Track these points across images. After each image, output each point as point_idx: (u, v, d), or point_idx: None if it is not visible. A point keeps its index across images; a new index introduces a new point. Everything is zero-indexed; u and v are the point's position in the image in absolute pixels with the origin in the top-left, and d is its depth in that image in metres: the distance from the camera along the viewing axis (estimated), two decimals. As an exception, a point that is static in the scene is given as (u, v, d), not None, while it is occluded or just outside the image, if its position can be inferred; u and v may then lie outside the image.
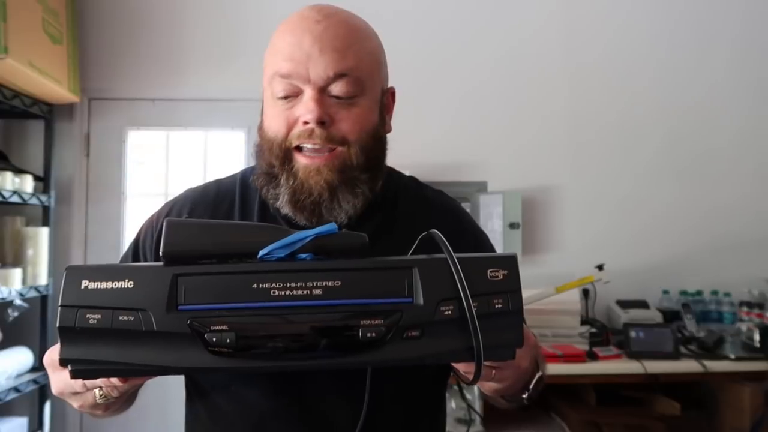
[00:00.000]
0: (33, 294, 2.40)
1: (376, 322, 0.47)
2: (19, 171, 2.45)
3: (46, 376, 2.44)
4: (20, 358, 2.35)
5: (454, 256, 0.50)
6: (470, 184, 2.74)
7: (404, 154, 3.01)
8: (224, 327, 0.47)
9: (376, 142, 0.75)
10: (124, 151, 2.75)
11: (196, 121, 2.76)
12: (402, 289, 0.49)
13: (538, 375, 0.66)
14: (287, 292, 0.48)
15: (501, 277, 0.50)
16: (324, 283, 0.49)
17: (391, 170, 0.87)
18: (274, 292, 0.48)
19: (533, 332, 0.78)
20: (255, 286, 0.48)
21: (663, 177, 2.77)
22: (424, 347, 0.49)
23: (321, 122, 0.69)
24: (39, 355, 2.47)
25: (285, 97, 0.71)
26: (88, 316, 0.49)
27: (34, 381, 2.38)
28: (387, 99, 0.81)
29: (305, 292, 0.48)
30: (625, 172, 2.77)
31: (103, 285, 0.49)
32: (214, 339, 0.47)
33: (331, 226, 0.53)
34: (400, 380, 0.72)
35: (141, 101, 2.76)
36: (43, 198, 2.50)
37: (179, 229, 0.51)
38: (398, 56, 2.91)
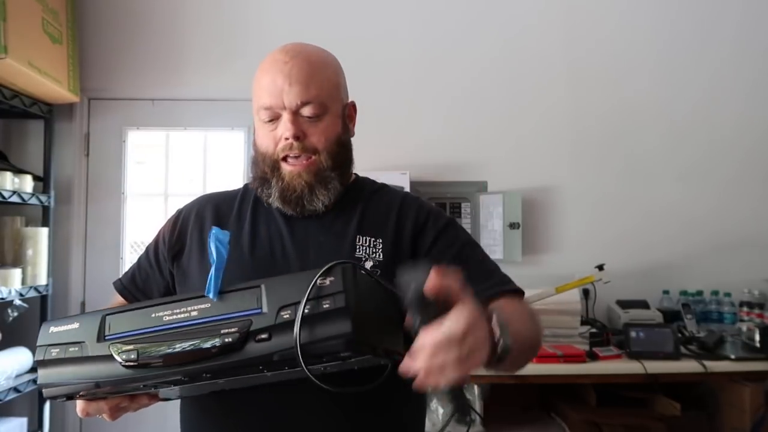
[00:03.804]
0: (33, 294, 2.40)
1: (232, 330, 0.62)
2: (18, 171, 2.45)
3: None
4: (20, 358, 2.34)
5: (299, 275, 0.64)
6: (470, 184, 2.74)
7: (405, 154, 3.02)
8: (131, 347, 0.64)
9: (340, 146, 0.98)
10: (123, 150, 2.75)
11: (196, 121, 2.76)
12: (254, 303, 0.63)
13: (501, 344, 0.69)
14: (174, 317, 0.65)
15: (328, 283, 0.61)
16: (198, 307, 0.65)
17: (364, 178, 1.09)
18: (165, 318, 0.65)
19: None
20: (153, 315, 0.66)
21: (663, 177, 2.76)
22: (273, 346, 0.61)
23: (296, 137, 0.92)
24: (39, 355, 2.46)
25: (270, 121, 0.95)
26: (51, 350, 0.68)
27: (34, 381, 2.38)
28: (349, 111, 1.03)
29: (186, 315, 0.65)
30: (626, 172, 2.77)
31: (62, 328, 0.68)
32: (124, 356, 0.64)
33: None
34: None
35: (141, 101, 2.76)
36: (43, 198, 2.50)
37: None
38: (398, 56, 2.92)
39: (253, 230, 0.98)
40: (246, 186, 1.07)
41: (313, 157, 0.94)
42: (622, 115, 2.79)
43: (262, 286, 0.63)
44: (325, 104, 0.94)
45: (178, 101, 2.76)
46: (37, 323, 2.49)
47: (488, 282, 0.94)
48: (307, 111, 0.93)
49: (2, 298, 2.21)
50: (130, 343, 0.64)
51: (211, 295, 0.64)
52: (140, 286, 1.04)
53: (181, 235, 1.02)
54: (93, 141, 2.75)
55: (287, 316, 0.61)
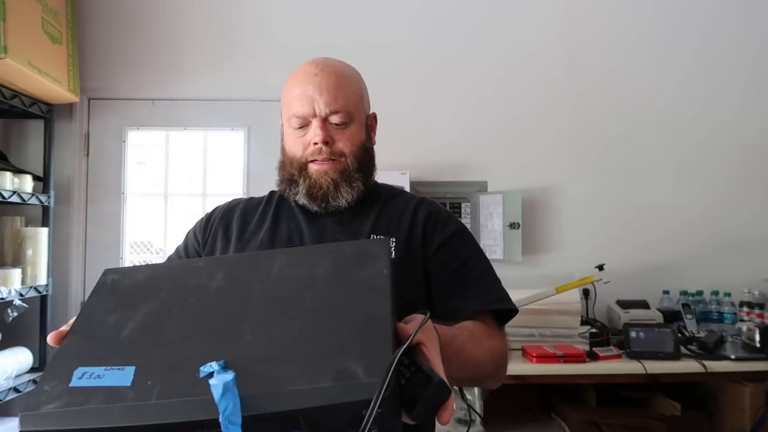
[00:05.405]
0: (32, 294, 2.40)
1: None
2: (18, 171, 2.45)
3: (45, 376, 2.43)
4: (20, 358, 2.34)
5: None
6: (470, 184, 2.74)
7: (405, 154, 3.01)
8: None
9: (364, 152, 1.07)
10: (123, 150, 2.75)
11: (196, 121, 2.76)
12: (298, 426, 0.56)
13: None
14: None
15: (376, 413, 0.54)
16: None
17: (383, 184, 1.16)
18: None
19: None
20: None
21: (663, 177, 2.77)
22: None
23: (325, 142, 1.01)
24: (38, 356, 2.47)
25: (300, 128, 1.03)
26: None
27: (34, 381, 2.38)
28: (370, 121, 1.12)
29: None
30: (626, 172, 2.77)
31: None
32: None
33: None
34: None
35: (140, 101, 2.76)
36: (43, 198, 2.50)
37: None
38: (399, 57, 2.92)
39: (274, 225, 1.07)
40: (271, 192, 1.16)
41: (341, 159, 1.03)
42: (623, 116, 2.79)
43: (301, 420, 0.56)
44: (351, 113, 1.03)
45: (178, 101, 2.76)
46: (37, 323, 2.50)
47: (479, 298, 0.98)
48: (335, 119, 1.01)
49: (2, 298, 2.21)
50: None
51: None
52: None
53: (210, 230, 1.10)
54: (93, 141, 2.75)
55: None
